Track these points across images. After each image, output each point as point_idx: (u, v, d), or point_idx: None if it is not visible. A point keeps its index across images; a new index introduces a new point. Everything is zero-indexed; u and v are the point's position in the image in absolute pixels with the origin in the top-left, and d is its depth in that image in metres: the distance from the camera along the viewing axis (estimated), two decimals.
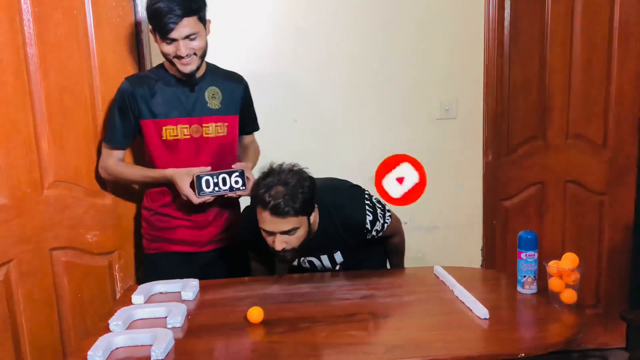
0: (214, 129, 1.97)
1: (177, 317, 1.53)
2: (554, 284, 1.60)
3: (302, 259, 1.93)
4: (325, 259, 1.93)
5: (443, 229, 2.55)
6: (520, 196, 2.68)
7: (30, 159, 1.88)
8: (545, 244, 2.63)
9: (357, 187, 1.97)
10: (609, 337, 2.80)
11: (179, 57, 1.84)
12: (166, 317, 1.56)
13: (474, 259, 2.61)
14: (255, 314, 1.54)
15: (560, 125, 2.64)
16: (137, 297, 1.68)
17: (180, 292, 1.74)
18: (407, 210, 2.51)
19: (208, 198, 1.88)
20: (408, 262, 2.52)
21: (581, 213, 2.71)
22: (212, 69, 2.02)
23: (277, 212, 1.63)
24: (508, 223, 2.68)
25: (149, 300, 1.71)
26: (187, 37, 1.81)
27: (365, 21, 2.37)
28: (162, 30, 1.80)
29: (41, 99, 1.90)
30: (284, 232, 1.67)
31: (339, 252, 1.93)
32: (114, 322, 1.50)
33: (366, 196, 1.89)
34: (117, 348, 1.42)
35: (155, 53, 2.24)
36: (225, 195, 1.92)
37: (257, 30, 2.33)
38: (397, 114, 2.45)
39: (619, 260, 2.74)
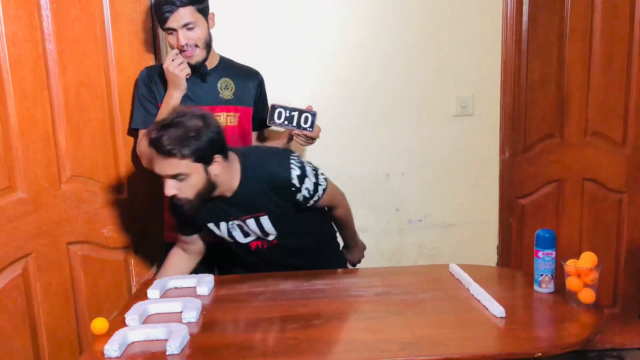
0: (225, 119, 2.02)
1: (192, 312, 1.54)
2: (572, 283, 1.58)
3: (231, 222, 1.82)
4: (252, 223, 1.81)
5: (459, 227, 2.54)
6: (537, 194, 2.65)
7: (48, 154, 1.90)
8: (562, 242, 2.60)
9: (285, 149, 1.92)
10: (626, 337, 2.77)
11: (182, 50, 1.89)
12: (181, 312, 1.56)
13: (490, 257, 2.59)
14: (99, 325, 1.47)
15: (579, 123, 2.61)
16: (153, 292, 1.69)
17: (195, 287, 1.75)
18: (422, 207, 2.51)
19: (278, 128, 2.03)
20: (423, 260, 2.53)
21: (599, 211, 2.67)
22: (226, 62, 2.07)
23: (161, 150, 1.56)
24: (524, 221, 2.66)
25: (164, 295, 1.72)
26: (184, 26, 1.86)
27: (381, 18, 2.36)
28: (160, 20, 1.87)
29: (59, 94, 1.92)
30: (171, 177, 1.60)
31: (266, 216, 1.80)
32: (130, 316, 1.51)
33: (293, 155, 1.81)
34: (133, 342, 1.42)
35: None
36: (292, 133, 2.00)
37: (268, 26, 2.32)
38: (414, 111, 2.43)
39: (637, 260, 2.70)
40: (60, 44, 1.91)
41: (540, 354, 1.33)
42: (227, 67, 2.06)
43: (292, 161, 1.78)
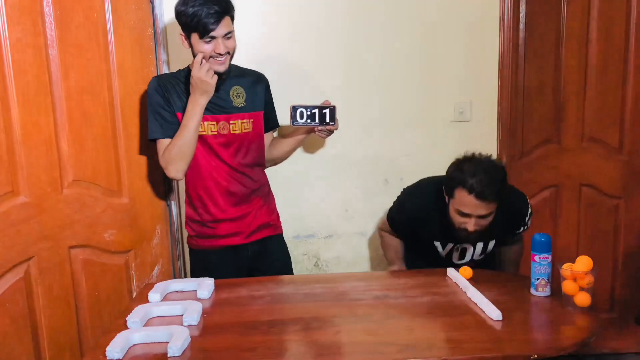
0: (240, 126, 2.05)
1: (193, 315, 1.56)
2: (568, 286, 1.60)
3: (458, 245, 2.03)
4: (479, 246, 2.04)
5: None
6: (535, 199, 2.67)
7: (51, 159, 1.92)
8: (560, 247, 2.61)
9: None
10: (624, 341, 2.78)
11: (215, 57, 1.91)
12: (182, 315, 1.58)
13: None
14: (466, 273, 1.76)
15: (576, 129, 2.63)
16: (154, 295, 1.71)
17: (195, 290, 1.76)
18: None
19: (300, 127, 2.13)
20: None
21: (596, 217, 2.69)
22: (234, 69, 2.08)
23: (483, 197, 1.78)
24: None
25: (165, 298, 1.74)
26: (224, 35, 1.90)
27: (379, 24, 2.38)
28: (204, 29, 1.87)
29: (61, 99, 1.94)
30: (481, 217, 1.82)
31: (493, 240, 2.04)
32: (132, 319, 1.53)
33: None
34: (134, 344, 1.44)
35: (173, 55, 2.28)
36: (316, 129, 2.11)
37: (267, 30, 2.35)
38: (412, 117, 2.45)
39: (634, 265, 2.72)
40: (63, 50, 1.93)
41: (536, 356, 1.35)
42: (236, 74, 2.08)
43: (528, 199, 2.06)
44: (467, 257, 2.07)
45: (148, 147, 2.21)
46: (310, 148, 2.42)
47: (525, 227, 2.05)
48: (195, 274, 2.13)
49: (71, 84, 1.96)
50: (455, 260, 2.08)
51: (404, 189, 2.16)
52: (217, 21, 1.86)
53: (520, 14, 2.51)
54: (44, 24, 1.87)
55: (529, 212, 2.03)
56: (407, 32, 2.40)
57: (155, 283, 1.83)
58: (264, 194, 2.15)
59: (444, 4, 2.39)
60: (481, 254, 2.08)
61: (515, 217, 2.02)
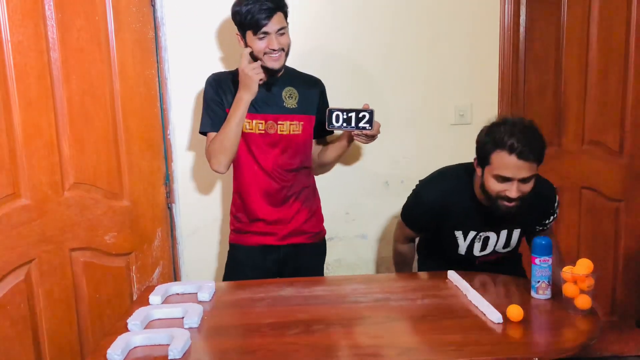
0: (288, 127, 2.03)
1: (193, 317, 1.56)
2: (568, 289, 1.60)
3: (480, 234, 1.95)
4: (504, 235, 1.95)
5: None
6: None
7: (52, 161, 1.92)
8: (561, 250, 2.61)
9: None
10: (624, 345, 2.78)
11: (269, 53, 1.91)
12: (183, 317, 1.58)
13: None
14: (515, 312, 1.54)
15: (576, 131, 2.63)
16: (155, 298, 1.71)
17: (196, 293, 1.76)
18: None
19: (336, 131, 2.10)
20: None
21: (596, 220, 2.69)
22: (290, 71, 2.09)
23: (525, 156, 1.67)
24: None
25: (166, 300, 1.74)
26: (278, 31, 1.90)
27: (379, 27, 2.38)
28: (257, 25, 1.88)
29: (63, 102, 1.95)
30: (522, 180, 1.71)
31: (519, 229, 1.96)
32: (132, 321, 1.53)
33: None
34: (135, 347, 1.44)
35: (174, 59, 2.28)
36: (353, 134, 2.04)
37: None
38: (412, 120, 2.46)
39: (635, 268, 2.72)
40: (65, 53, 1.94)
41: (536, 359, 1.35)
42: (291, 76, 2.08)
43: (555, 188, 1.98)
44: (489, 248, 1.98)
45: (149, 149, 2.22)
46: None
47: (554, 216, 1.97)
48: (227, 269, 2.13)
49: (72, 87, 1.97)
50: (476, 252, 1.98)
51: (417, 183, 2.06)
52: (269, 16, 1.87)
53: (521, 17, 2.51)
54: (46, 27, 1.88)
55: (557, 199, 1.95)
56: (407, 34, 2.40)
57: (156, 285, 1.83)
58: (304, 197, 2.09)
59: (444, 6, 2.40)
60: (505, 246, 1.99)
61: (543, 203, 1.92)
